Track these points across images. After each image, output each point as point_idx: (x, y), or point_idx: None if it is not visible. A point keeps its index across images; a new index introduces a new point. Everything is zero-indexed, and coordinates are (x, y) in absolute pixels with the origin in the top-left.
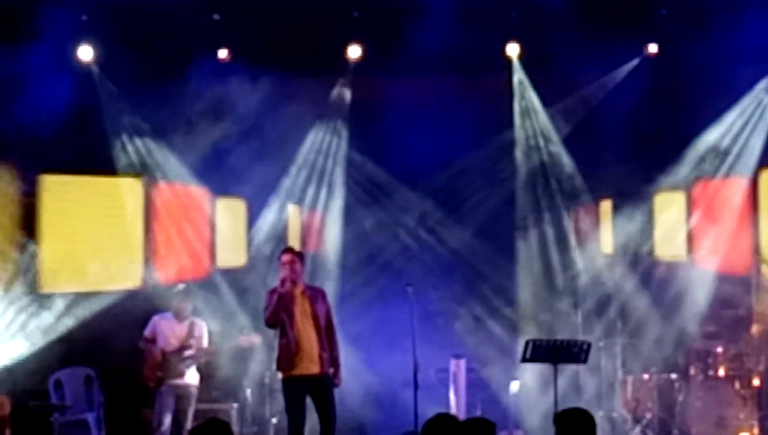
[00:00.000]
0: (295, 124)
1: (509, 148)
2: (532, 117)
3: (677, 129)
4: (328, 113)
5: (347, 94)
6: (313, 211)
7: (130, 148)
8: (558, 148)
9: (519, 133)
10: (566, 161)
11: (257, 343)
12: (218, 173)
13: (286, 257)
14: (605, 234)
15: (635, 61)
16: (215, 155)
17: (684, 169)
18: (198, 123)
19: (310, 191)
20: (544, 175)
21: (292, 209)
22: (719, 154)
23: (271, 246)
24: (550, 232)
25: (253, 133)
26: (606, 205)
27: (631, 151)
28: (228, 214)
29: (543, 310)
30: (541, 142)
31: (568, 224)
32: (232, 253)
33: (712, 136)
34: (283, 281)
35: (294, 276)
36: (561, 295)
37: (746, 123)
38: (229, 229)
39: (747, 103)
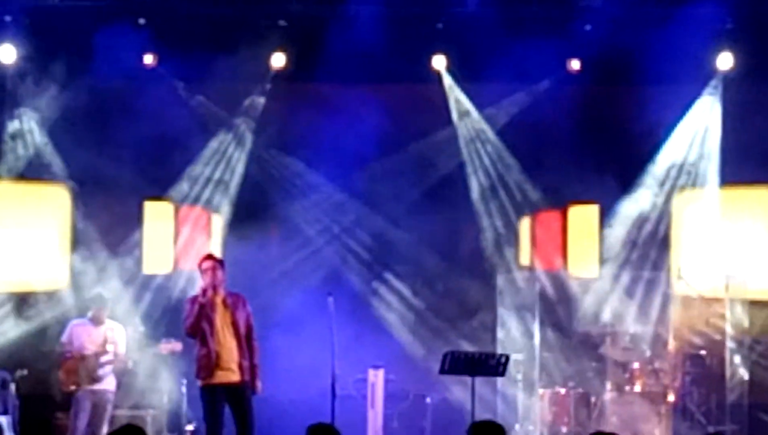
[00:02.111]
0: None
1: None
2: (465, 118)
3: (605, 141)
4: (238, 119)
5: (261, 101)
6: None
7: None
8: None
9: (461, 130)
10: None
11: (179, 350)
12: (145, 176)
13: (207, 264)
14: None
15: (560, 75)
16: (145, 158)
17: (613, 179)
18: (123, 126)
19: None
20: (488, 176)
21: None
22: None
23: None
24: (480, 237)
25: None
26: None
27: (554, 161)
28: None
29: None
30: (479, 143)
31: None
32: (159, 259)
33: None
34: (204, 290)
35: (215, 283)
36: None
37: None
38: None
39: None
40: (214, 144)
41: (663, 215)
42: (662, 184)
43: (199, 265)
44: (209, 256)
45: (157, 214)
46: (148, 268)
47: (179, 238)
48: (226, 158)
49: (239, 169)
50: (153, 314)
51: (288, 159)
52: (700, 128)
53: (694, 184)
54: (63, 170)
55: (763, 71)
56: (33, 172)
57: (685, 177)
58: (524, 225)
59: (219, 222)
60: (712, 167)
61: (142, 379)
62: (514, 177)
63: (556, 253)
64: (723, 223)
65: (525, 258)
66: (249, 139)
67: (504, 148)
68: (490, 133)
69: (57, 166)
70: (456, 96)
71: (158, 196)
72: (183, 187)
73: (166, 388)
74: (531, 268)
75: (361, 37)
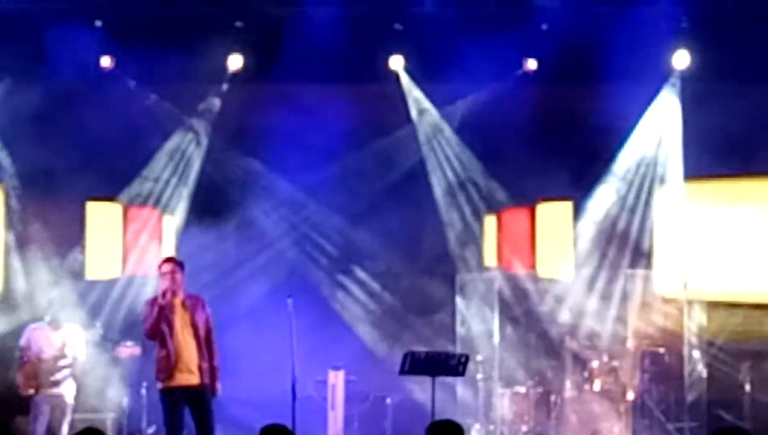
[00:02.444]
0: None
1: (397, 149)
2: (424, 115)
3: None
4: (194, 120)
5: (218, 102)
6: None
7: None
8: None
9: (421, 128)
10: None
11: (137, 354)
12: (97, 177)
13: (166, 267)
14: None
15: (517, 74)
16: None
17: (573, 178)
18: (76, 126)
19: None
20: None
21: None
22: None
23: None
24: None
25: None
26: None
27: (513, 161)
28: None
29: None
30: (439, 141)
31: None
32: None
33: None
34: (164, 293)
35: (175, 286)
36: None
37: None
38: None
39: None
40: (169, 144)
41: (623, 212)
42: (625, 180)
43: (159, 268)
44: (169, 259)
45: (103, 216)
46: (91, 273)
47: (127, 240)
48: (183, 159)
49: (195, 169)
50: (109, 318)
51: (246, 159)
52: (660, 125)
53: (654, 181)
54: (10, 169)
55: (718, 69)
56: None
57: (647, 173)
58: (488, 223)
59: (173, 223)
60: (673, 163)
61: (102, 382)
62: (474, 174)
63: (522, 251)
64: (685, 219)
65: (487, 257)
66: (206, 139)
67: (464, 147)
68: (449, 132)
69: (5, 165)
70: (414, 95)
71: (108, 197)
72: (135, 187)
73: (125, 391)
74: (493, 267)
75: (318, 38)
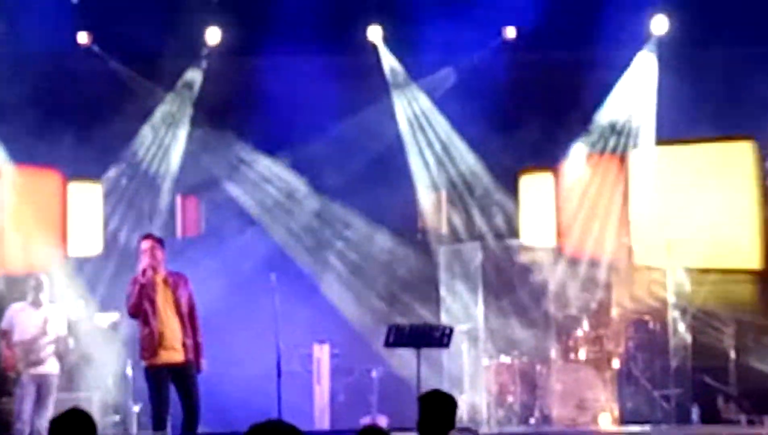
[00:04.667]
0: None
1: (377, 122)
2: (402, 89)
3: (546, 109)
4: (173, 95)
5: (198, 77)
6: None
7: None
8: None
9: (397, 106)
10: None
11: (117, 319)
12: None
13: (146, 244)
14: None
15: (496, 42)
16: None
17: (555, 147)
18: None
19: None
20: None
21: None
22: (608, 131)
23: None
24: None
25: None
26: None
27: (496, 131)
28: (82, 200)
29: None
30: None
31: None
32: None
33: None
34: (144, 271)
35: (155, 263)
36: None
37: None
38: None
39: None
40: (151, 121)
41: (601, 179)
42: (597, 145)
43: (138, 245)
44: (148, 236)
45: (83, 195)
46: (74, 250)
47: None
48: (166, 136)
49: (177, 146)
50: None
51: (227, 134)
52: (636, 89)
53: (627, 145)
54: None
55: (697, 34)
56: None
57: (621, 138)
58: (471, 194)
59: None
60: (647, 127)
61: (86, 361)
62: (456, 146)
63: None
64: (661, 183)
65: (471, 227)
66: (186, 115)
67: (445, 119)
68: (429, 103)
69: None
70: (392, 66)
71: (88, 177)
72: (115, 167)
73: (110, 369)
74: (477, 238)
75: (295, 10)
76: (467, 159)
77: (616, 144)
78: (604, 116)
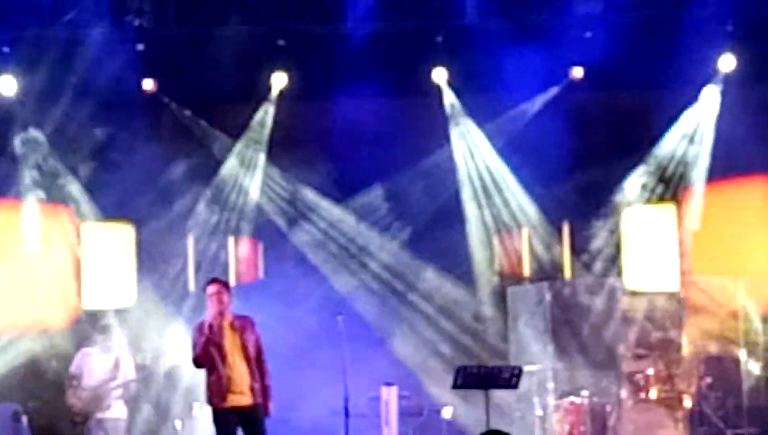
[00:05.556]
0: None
1: (444, 166)
2: (467, 136)
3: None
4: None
5: (269, 121)
6: (253, 240)
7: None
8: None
9: (457, 151)
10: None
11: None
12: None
13: (212, 289)
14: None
15: (563, 83)
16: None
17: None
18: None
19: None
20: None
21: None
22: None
23: None
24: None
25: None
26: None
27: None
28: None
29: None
30: (480, 161)
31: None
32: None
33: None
34: (210, 326)
35: (222, 308)
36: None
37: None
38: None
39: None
40: (222, 170)
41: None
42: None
43: (204, 290)
44: (214, 280)
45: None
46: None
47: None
48: (237, 183)
49: (253, 193)
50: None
51: (294, 180)
52: (695, 126)
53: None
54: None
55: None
56: None
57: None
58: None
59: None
60: (701, 165)
61: (155, 404)
62: (513, 190)
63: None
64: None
65: (533, 269)
66: (260, 160)
67: (503, 163)
68: (491, 146)
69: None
70: (456, 108)
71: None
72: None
73: (179, 413)
74: (541, 279)
75: (360, 53)
76: (524, 202)
77: (676, 177)
78: (662, 150)
